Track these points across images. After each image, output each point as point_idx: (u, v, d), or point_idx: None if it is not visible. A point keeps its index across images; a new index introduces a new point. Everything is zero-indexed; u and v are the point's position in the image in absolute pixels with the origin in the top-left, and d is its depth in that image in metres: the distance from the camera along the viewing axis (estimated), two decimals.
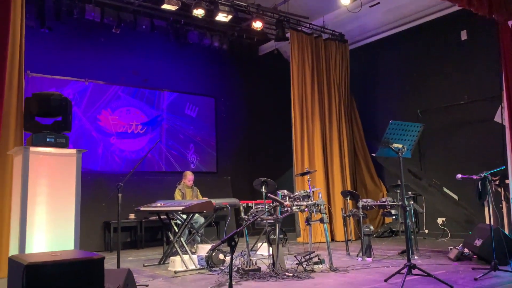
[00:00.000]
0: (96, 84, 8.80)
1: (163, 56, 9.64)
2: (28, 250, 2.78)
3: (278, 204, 5.21)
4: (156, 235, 8.94)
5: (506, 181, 6.33)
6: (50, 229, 2.93)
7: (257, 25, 8.72)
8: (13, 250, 2.87)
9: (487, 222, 6.02)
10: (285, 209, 5.39)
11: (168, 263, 5.85)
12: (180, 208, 5.79)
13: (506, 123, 6.46)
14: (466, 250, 5.62)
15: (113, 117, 8.96)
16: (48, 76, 8.17)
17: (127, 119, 9.15)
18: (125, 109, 9.15)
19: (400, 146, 4.46)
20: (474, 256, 5.52)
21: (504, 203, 6.44)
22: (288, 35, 9.20)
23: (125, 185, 4.87)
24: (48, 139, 3.03)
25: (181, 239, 6.02)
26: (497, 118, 7.62)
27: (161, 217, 6.50)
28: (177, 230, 6.25)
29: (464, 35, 8.57)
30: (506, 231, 5.99)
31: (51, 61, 8.24)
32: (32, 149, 2.99)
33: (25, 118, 3.10)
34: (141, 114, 9.34)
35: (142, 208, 6.36)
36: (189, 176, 7.66)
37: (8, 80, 5.45)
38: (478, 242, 5.34)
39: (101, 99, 8.85)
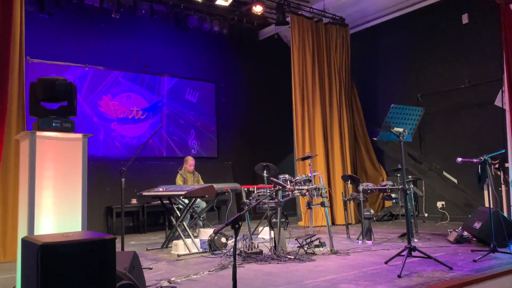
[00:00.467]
0: (96, 70, 8.78)
1: (163, 41, 9.60)
2: (36, 233, 2.83)
3: (280, 188, 5.26)
4: (158, 219, 9.02)
5: (506, 165, 6.37)
6: (57, 212, 2.97)
7: (257, 9, 8.68)
8: (22, 233, 2.92)
9: (487, 205, 6.08)
10: (287, 193, 5.44)
11: (171, 247, 5.93)
12: (182, 193, 5.84)
13: (507, 106, 6.48)
14: (465, 233, 5.69)
15: (113, 102, 8.97)
16: (48, 61, 8.16)
17: (128, 104, 9.16)
18: (126, 95, 9.15)
19: (401, 130, 4.49)
20: (473, 239, 5.59)
21: (503, 186, 6.50)
22: (288, 19, 9.15)
23: (127, 171, 4.92)
24: (54, 124, 3.05)
25: (184, 223, 6.09)
26: (498, 102, 7.64)
27: (164, 202, 6.56)
28: (179, 215, 6.31)
29: (465, 19, 8.54)
30: (505, 214, 6.06)
31: (51, 47, 8.21)
32: (38, 133, 3.01)
33: (30, 103, 3.12)
34: (141, 99, 9.34)
35: (145, 193, 6.41)
36: (190, 161, 7.70)
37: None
38: (477, 225, 5.41)
39: (101, 85, 8.85)
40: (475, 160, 4.93)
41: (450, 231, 5.87)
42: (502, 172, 6.52)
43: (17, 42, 5.79)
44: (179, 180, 7.52)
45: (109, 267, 2.13)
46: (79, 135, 3.16)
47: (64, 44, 8.39)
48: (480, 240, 5.42)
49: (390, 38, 9.91)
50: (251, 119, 10.72)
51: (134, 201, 8.45)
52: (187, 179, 7.60)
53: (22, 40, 5.88)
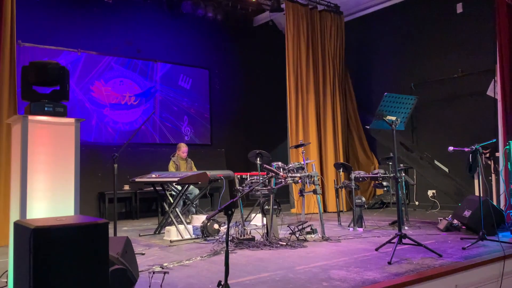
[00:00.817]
0: (89, 55, 8.70)
1: (156, 27, 9.51)
2: (29, 217, 2.83)
3: (273, 175, 5.28)
4: (151, 206, 9.03)
5: (496, 154, 6.45)
6: (50, 196, 2.96)
7: None
8: (14, 217, 2.91)
9: (477, 194, 6.15)
10: (280, 180, 5.46)
11: (163, 233, 5.95)
12: (175, 179, 5.85)
13: (499, 96, 6.53)
14: (455, 221, 5.76)
15: (106, 88, 8.90)
16: (40, 46, 8.06)
17: (120, 90, 9.10)
18: (118, 80, 9.09)
19: (393, 118, 4.50)
20: (463, 227, 5.66)
21: (493, 175, 6.58)
22: (283, 6, 9.10)
23: (119, 157, 4.91)
24: (46, 108, 3.02)
25: (176, 209, 6.10)
26: (490, 92, 7.68)
27: (156, 188, 6.56)
28: (172, 201, 6.32)
29: (459, 8, 8.54)
30: (495, 203, 6.14)
31: (43, 31, 8.11)
32: (30, 118, 2.99)
33: (22, 87, 3.09)
34: (134, 85, 9.28)
35: (137, 179, 6.41)
36: (183, 148, 7.69)
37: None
38: (467, 213, 5.47)
39: (94, 70, 8.77)
40: (466, 149, 4.97)
41: (440, 219, 5.94)
42: (492, 162, 6.60)
43: (8, 26, 5.72)
44: (171, 167, 7.52)
45: (102, 252, 2.14)
46: (72, 120, 3.14)
47: (57, 28, 8.29)
48: (469, 228, 5.49)
49: (384, 26, 9.90)
50: (244, 106, 10.70)
51: (126, 187, 8.44)
52: (180, 166, 7.59)
53: (13, 23, 5.81)
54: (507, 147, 5.72)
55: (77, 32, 8.52)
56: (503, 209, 5.86)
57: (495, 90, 6.89)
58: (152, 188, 6.69)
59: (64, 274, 2.02)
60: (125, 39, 9.15)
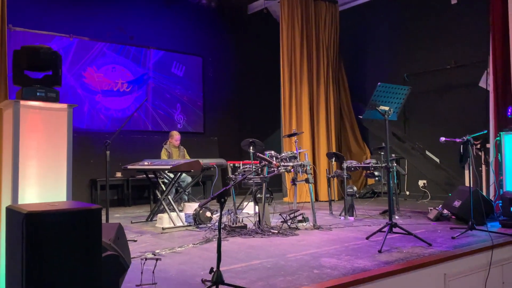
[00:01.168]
0: (81, 40, 8.61)
1: (149, 13, 9.42)
2: (21, 202, 2.82)
3: (266, 163, 5.29)
4: (143, 193, 9.03)
5: (487, 145, 6.50)
6: (42, 182, 2.95)
7: None
8: (6, 202, 2.90)
9: (467, 184, 6.22)
10: (272, 169, 5.48)
11: (156, 220, 5.96)
12: (168, 167, 5.84)
13: (491, 88, 6.57)
14: (445, 211, 5.82)
15: (98, 74, 8.83)
16: (31, 30, 7.96)
17: (113, 77, 9.02)
18: (111, 67, 9.01)
19: (386, 108, 4.52)
20: (453, 217, 5.72)
21: (483, 167, 6.64)
22: None
23: (111, 144, 4.89)
24: (38, 93, 2.99)
25: (169, 197, 6.10)
26: (482, 84, 7.72)
27: (149, 175, 6.55)
28: (164, 189, 6.32)
29: None
30: (484, 193, 6.21)
31: (35, 15, 8.00)
32: (22, 103, 2.96)
33: (14, 72, 3.05)
34: (127, 72, 9.21)
35: (130, 166, 6.39)
36: (176, 136, 7.67)
37: None
38: (457, 203, 5.53)
39: (86, 56, 8.69)
40: (458, 140, 5.01)
41: (431, 209, 6.01)
42: (483, 153, 6.66)
43: None
44: (163, 154, 7.50)
45: (95, 237, 2.14)
46: (64, 105, 3.12)
47: (48, 13, 8.17)
48: (459, 218, 5.55)
49: (378, 16, 9.88)
50: (238, 94, 10.67)
51: (118, 174, 8.43)
52: (172, 153, 7.58)
53: (4, 7, 5.71)
54: (498, 138, 5.77)
55: (69, 17, 8.41)
56: (492, 199, 5.93)
57: (487, 81, 6.94)
58: (144, 175, 6.68)
59: (57, 259, 2.02)
60: (118, 25, 9.05)
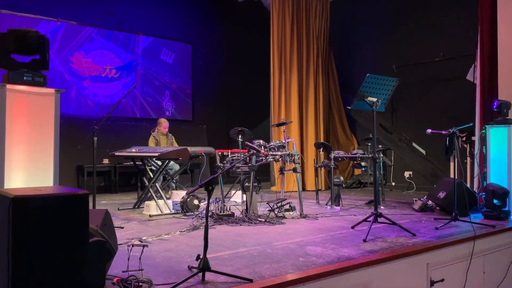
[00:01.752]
0: (69, 25, 8.48)
1: None
2: (6, 187, 2.80)
3: (254, 152, 5.30)
4: (130, 180, 9.00)
5: (472, 138, 6.59)
6: (29, 167, 2.93)
7: None
8: None
9: (452, 176, 6.31)
10: (260, 158, 5.50)
11: (143, 207, 5.96)
12: (156, 154, 5.82)
13: (478, 81, 6.64)
14: (429, 202, 5.91)
15: (86, 60, 8.73)
16: (17, 13, 7.82)
17: (101, 62, 8.93)
18: (99, 52, 8.91)
19: (374, 99, 4.55)
20: (437, 208, 5.82)
21: (468, 159, 6.74)
22: None
23: (99, 130, 4.86)
24: (25, 78, 2.95)
25: (156, 184, 6.10)
26: (469, 77, 7.80)
27: (136, 162, 6.53)
28: (152, 176, 6.31)
29: None
30: (469, 185, 6.31)
31: None
32: (9, 86, 2.92)
33: (0, 55, 3.01)
34: (115, 58, 9.12)
35: (117, 153, 6.36)
36: (164, 124, 7.64)
37: None
38: (441, 195, 5.62)
39: (74, 41, 8.57)
40: (444, 132, 5.07)
41: (416, 200, 6.09)
42: (468, 145, 6.76)
43: None
44: (151, 142, 7.47)
45: (82, 223, 2.14)
46: (52, 90, 3.09)
47: None
48: (443, 209, 5.65)
49: (368, 7, 9.89)
50: (227, 83, 10.63)
51: (106, 161, 8.39)
52: (160, 141, 7.55)
53: None
54: (483, 131, 5.85)
55: (57, 1, 8.28)
56: (476, 191, 6.03)
57: (474, 75, 7.00)
58: (132, 162, 6.65)
59: (43, 244, 2.02)
60: (106, 10, 8.93)
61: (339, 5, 10.19)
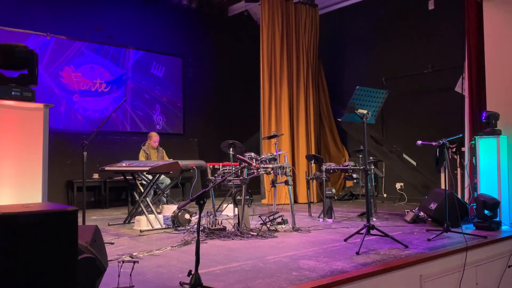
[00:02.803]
0: (58, 39, 8.46)
1: (129, 13, 9.32)
2: None
3: (245, 165, 5.29)
4: (121, 195, 8.91)
5: (462, 149, 6.63)
6: (17, 183, 2.88)
7: None
8: None
9: (443, 187, 6.33)
10: (252, 171, 5.48)
11: (133, 222, 5.89)
12: (146, 169, 5.78)
13: (466, 93, 6.70)
14: (421, 213, 5.92)
15: (76, 74, 8.69)
16: (6, 28, 7.78)
17: (91, 76, 8.90)
18: (89, 66, 8.88)
19: (365, 111, 4.57)
20: (429, 219, 5.82)
21: (459, 170, 6.77)
22: None
23: (89, 145, 4.81)
24: (13, 93, 2.92)
25: (147, 199, 6.04)
26: (458, 88, 7.88)
27: (127, 177, 6.47)
28: (142, 191, 6.25)
29: (431, 5, 8.71)
30: (459, 196, 6.33)
31: (10, 13, 7.83)
32: None
33: None
34: (105, 72, 9.09)
35: (107, 168, 6.30)
36: (154, 137, 7.60)
37: None
38: (433, 206, 5.63)
39: (64, 55, 8.54)
40: (434, 144, 5.10)
41: (407, 211, 6.09)
42: (458, 156, 6.79)
43: None
44: (141, 156, 7.43)
45: (71, 240, 2.10)
46: (40, 105, 3.06)
47: (25, 10, 8.01)
48: (435, 220, 5.65)
49: (357, 20, 10.00)
50: (218, 96, 10.64)
51: (96, 175, 8.30)
52: (151, 155, 7.51)
53: None
54: (473, 142, 5.90)
55: (46, 15, 8.26)
56: (467, 202, 6.05)
57: (462, 86, 7.07)
58: (122, 177, 6.59)
59: (31, 262, 1.97)
60: (96, 24, 8.93)
61: (328, 18, 10.30)
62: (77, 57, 8.71)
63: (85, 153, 4.75)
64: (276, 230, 5.30)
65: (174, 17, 9.93)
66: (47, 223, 1.98)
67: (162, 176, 7.00)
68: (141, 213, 5.85)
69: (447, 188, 5.06)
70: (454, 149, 6.68)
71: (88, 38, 8.83)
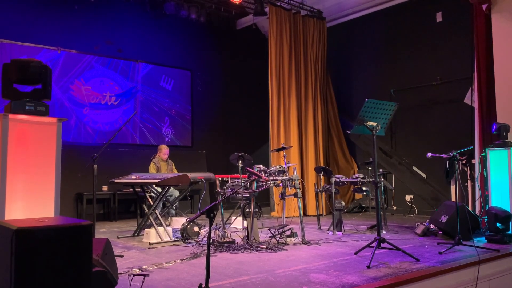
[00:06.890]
0: (69, 53, 8.57)
1: (138, 27, 9.43)
2: (8, 218, 2.77)
3: (255, 178, 5.28)
4: (130, 207, 8.93)
5: (473, 161, 6.58)
6: (30, 197, 2.91)
7: None
8: None
9: (453, 199, 6.27)
10: (261, 183, 5.48)
11: (143, 235, 5.89)
12: (156, 181, 5.80)
13: (476, 104, 6.68)
14: (432, 226, 5.86)
15: (86, 87, 8.78)
16: (18, 43, 7.90)
17: (101, 90, 8.98)
18: (99, 80, 8.98)
19: (374, 124, 4.57)
20: (439, 232, 5.77)
21: (469, 182, 6.71)
22: (266, 9, 9.15)
23: (99, 157, 4.84)
24: (27, 107, 2.97)
25: (156, 211, 6.05)
26: (467, 100, 7.85)
27: (136, 189, 6.49)
28: (151, 203, 6.26)
29: (439, 17, 8.72)
30: (470, 208, 6.27)
31: (22, 28, 7.96)
32: (11, 116, 2.93)
33: (3, 85, 3.02)
34: (115, 85, 9.18)
35: (117, 180, 6.32)
36: (164, 150, 7.64)
37: None
38: (443, 218, 5.58)
39: (74, 69, 8.64)
40: (444, 156, 5.07)
41: (418, 224, 6.04)
42: (468, 168, 6.74)
43: None
44: (152, 168, 7.46)
45: (85, 254, 2.11)
46: (54, 119, 3.09)
47: (37, 25, 8.14)
48: (446, 233, 5.59)
49: (365, 33, 10.03)
50: (226, 108, 10.69)
51: (105, 188, 8.34)
52: (161, 167, 7.54)
53: None
54: (483, 154, 5.86)
55: (57, 30, 8.38)
56: (478, 214, 5.99)
57: (472, 98, 7.05)
58: (131, 189, 6.61)
59: (46, 276, 1.98)
60: (106, 38, 9.04)
61: (336, 31, 10.35)
62: (87, 71, 8.81)
63: (95, 166, 4.78)
64: (285, 243, 5.27)
65: (183, 31, 10.03)
66: (63, 238, 1.99)
67: (171, 189, 7.02)
68: (150, 225, 5.86)
69: (457, 201, 5.01)
70: (464, 161, 6.63)
71: (98, 52, 8.94)
